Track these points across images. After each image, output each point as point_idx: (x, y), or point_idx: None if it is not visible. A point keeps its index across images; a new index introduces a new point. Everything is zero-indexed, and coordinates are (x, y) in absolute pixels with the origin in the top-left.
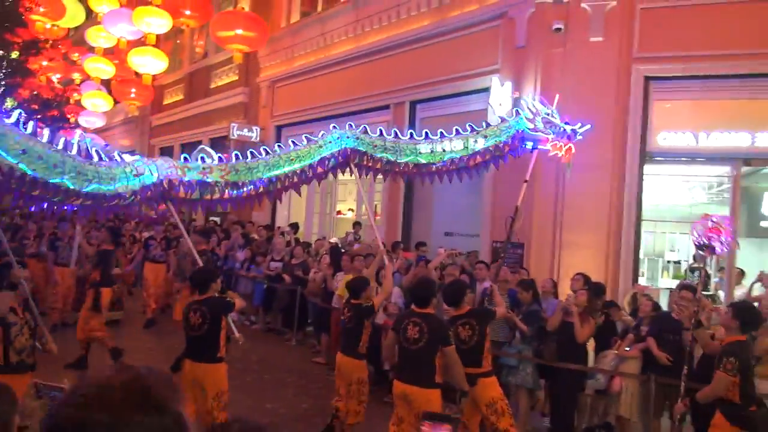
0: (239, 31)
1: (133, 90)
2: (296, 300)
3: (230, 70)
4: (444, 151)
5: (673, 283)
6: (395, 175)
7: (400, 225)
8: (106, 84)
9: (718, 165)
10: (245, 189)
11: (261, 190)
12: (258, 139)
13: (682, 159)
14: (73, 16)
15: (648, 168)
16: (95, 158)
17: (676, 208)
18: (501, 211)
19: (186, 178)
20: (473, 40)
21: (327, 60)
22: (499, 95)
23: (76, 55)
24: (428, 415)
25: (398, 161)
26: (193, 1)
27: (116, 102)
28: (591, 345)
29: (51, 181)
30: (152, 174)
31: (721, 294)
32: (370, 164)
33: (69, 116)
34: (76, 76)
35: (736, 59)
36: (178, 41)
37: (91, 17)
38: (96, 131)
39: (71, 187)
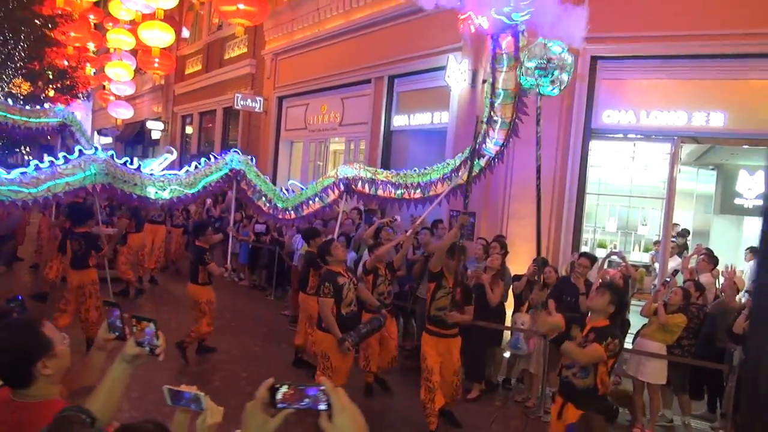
0: (240, 6)
1: (157, 60)
2: (275, 259)
3: (241, 42)
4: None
5: (642, 256)
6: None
7: None
8: (134, 53)
9: (658, 143)
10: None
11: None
12: (261, 109)
13: (627, 136)
14: None
15: (594, 144)
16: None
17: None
18: None
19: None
20: (441, 18)
21: (321, 34)
22: (456, 72)
23: (110, 24)
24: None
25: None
26: None
27: (140, 71)
28: None
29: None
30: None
31: (656, 266)
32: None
33: (80, 87)
34: (90, 47)
35: (676, 40)
36: (200, 12)
37: None
38: (126, 98)
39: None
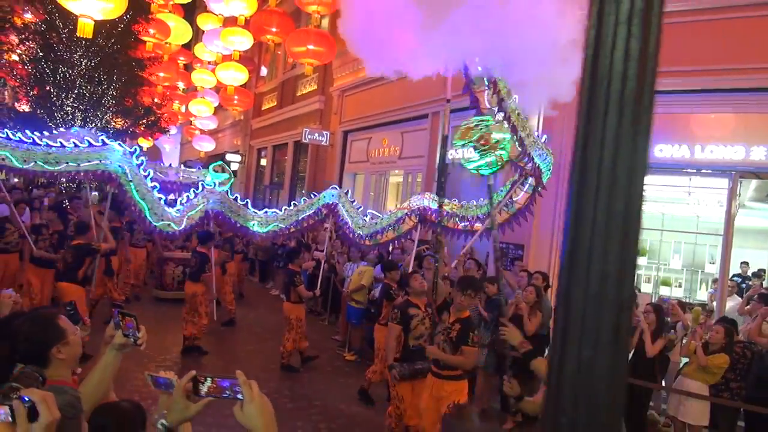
0: (310, 47)
1: (236, 97)
2: (330, 286)
3: (311, 80)
4: None
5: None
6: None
7: None
8: (217, 91)
9: (716, 177)
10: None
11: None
12: (327, 142)
13: (683, 170)
14: (181, 34)
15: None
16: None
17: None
18: None
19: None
20: None
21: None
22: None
23: (198, 65)
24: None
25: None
26: (279, 20)
27: (222, 107)
28: None
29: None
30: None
31: (714, 304)
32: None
33: (163, 123)
34: (180, 86)
35: (730, 74)
36: (277, 53)
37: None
38: (209, 132)
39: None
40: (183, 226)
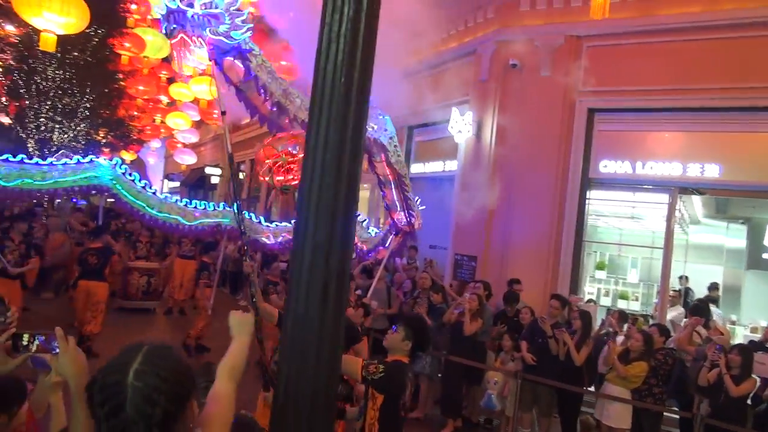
0: (282, 63)
1: (216, 111)
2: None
3: None
4: None
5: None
6: None
7: None
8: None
9: (657, 193)
10: None
11: None
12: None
13: (622, 185)
14: (158, 48)
15: (594, 194)
16: None
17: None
18: (463, 226)
19: None
20: (451, 72)
21: None
22: (460, 123)
23: (180, 79)
24: None
25: None
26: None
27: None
28: None
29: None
30: None
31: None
32: None
33: (138, 135)
34: (164, 99)
35: (670, 93)
36: None
37: None
38: (192, 146)
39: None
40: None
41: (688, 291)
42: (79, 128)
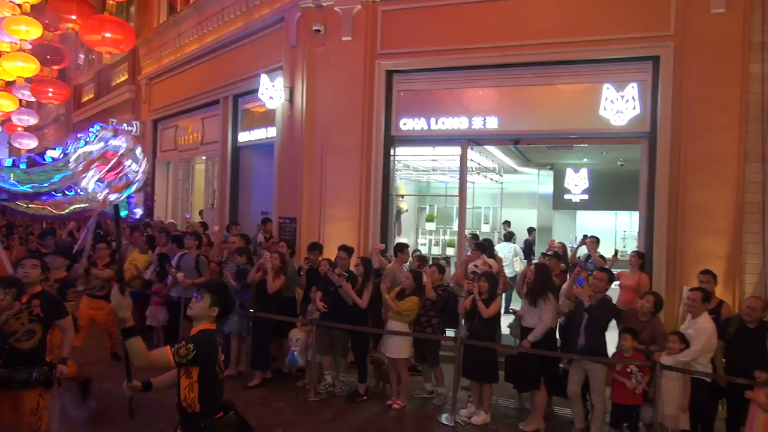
0: (106, 35)
1: (51, 89)
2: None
3: (124, 69)
4: None
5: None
6: None
7: (227, 207)
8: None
9: (452, 146)
10: None
11: None
12: (137, 132)
13: (422, 141)
14: None
15: (399, 150)
16: None
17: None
18: (283, 191)
19: None
20: (269, 39)
21: (182, 59)
22: (270, 90)
23: None
24: None
25: None
26: (78, 7)
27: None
28: None
29: None
30: None
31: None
32: None
33: None
34: None
35: (455, 54)
36: None
37: None
38: (31, 129)
39: None
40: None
41: (511, 234)
42: None
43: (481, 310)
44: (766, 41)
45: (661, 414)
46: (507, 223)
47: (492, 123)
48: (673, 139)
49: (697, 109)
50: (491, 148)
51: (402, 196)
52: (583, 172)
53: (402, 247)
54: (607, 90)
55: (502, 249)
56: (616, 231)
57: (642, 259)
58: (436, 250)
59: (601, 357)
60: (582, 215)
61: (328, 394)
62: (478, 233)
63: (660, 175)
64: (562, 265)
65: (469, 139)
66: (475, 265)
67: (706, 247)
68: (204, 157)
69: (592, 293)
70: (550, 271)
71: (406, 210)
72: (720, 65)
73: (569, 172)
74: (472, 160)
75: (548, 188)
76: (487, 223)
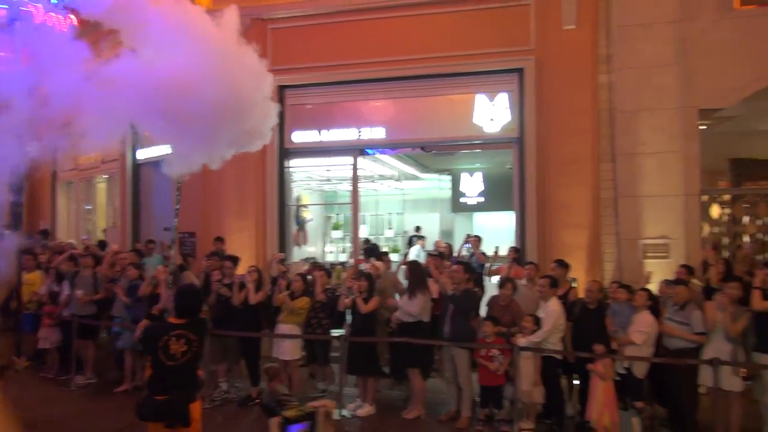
0: None
1: None
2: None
3: None
4: None
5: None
6: None
7: (129, 226)
8: None
9: (344, 156)
10: None
11: None
12: None
13: (314, 152)
14: None
15: (293, 162)
16: None
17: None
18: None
19: None
20: None
21: None
22: None
23: None
24: None
25: None
26: None
27: None
28: None
29: None
30: None
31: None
32: None
33: None
34: None
35: (344, 68)
36: None
37: None
38: None
39: None
40: None
41: (420, 237)
42: None
43: (360, 306)
44: (612, 54)
45: (520, 390)
46: (418, 228)
47: (379, 133)
48: (539, 143)
49: (557, 115)
50: (386, 157)
51: (305, 205)
52: (478, 176)
53: (383, 254)
54: (480, 100)
55: (413, 252)
56: (512, 230)
57: (518, 254)
58: (343, 257)
59: (465, 343)
60: (478, 217)
61: (222, 401)
62: (370, 239)
63: (528, 176)
64: (447, 263)
65: (360, 149)
66: (363, 268)
67: (570, 240)
68: (105, 176)
69: (454, 284)
70: (422, 267)
71: (311, 219)
72: (574, 76)
73: (465, 176)
74: (363, 168)
75: (448, 193)
76: (391, 229)
